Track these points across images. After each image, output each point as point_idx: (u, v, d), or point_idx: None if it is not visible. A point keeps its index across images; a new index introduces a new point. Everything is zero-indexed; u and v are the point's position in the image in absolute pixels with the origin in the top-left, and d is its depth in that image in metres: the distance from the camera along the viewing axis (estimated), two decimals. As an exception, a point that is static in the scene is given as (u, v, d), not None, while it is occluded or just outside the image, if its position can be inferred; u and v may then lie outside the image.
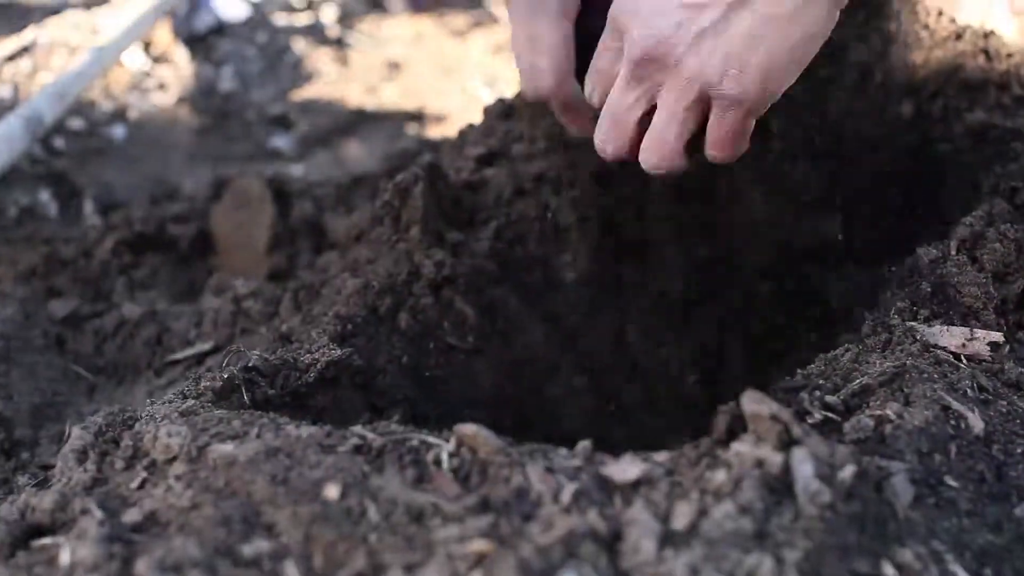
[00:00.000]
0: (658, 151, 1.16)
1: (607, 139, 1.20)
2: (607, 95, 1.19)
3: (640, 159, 1.18)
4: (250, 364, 1.12)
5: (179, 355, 1.46)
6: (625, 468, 0.81)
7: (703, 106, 1.12)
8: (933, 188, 1.44)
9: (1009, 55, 1.48)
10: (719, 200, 1.55)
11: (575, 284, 1.47)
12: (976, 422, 0.91)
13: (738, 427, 0.82)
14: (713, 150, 1.16)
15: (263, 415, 0.94)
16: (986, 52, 1.48)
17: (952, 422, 0.91)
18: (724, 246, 1.57)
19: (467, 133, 1.70)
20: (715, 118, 1.12)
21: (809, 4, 1.05)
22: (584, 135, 1.30)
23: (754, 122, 1.13)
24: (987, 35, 1.50)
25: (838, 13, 1.09)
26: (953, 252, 1.14)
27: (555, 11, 1.26)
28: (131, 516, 0.83)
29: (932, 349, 1.02)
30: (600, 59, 1.20)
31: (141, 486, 0.88)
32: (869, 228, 1.52)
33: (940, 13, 1.54)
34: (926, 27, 1.53)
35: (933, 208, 1.42)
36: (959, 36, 1.51)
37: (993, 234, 1.14)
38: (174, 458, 0.88)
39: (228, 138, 2.79)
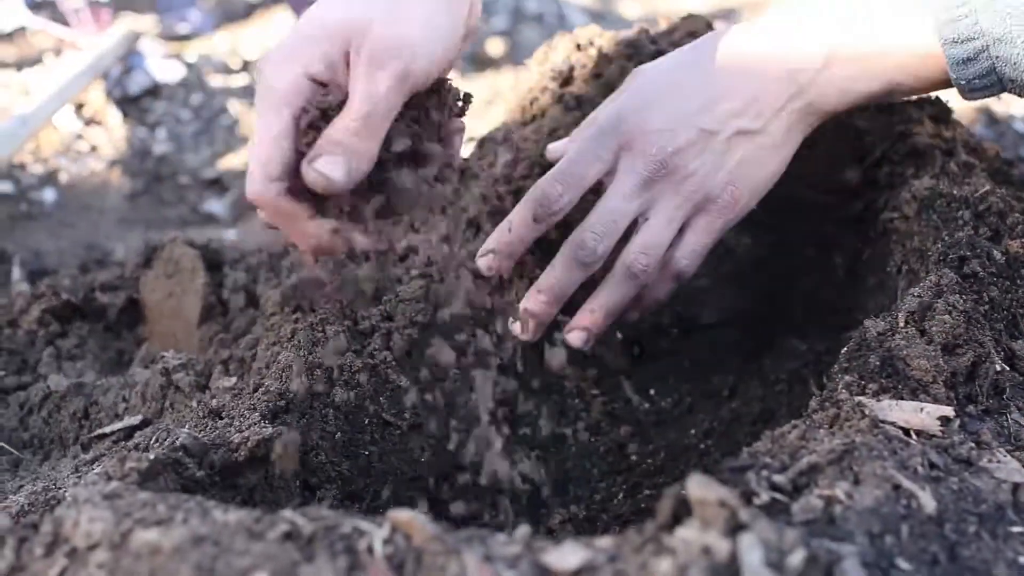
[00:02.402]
0: (653, 255, 1.35)
1: (598, 241, 1.33)
2: (574, 199, 1.35)
3: (630, 262, 1.36)
4: (178, 443, 1.09)
5: (107, 429, 1.41)
6: (566, 555, 0.78)
7: (689, 217, 1.36)
8: (879, 258, 1.42)
9: (954, 123, 1.47)
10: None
11: (516, 355, 1.44)
12: (928, 501, 0.89)
13: (683, 512, 0.79)
14: (687, 258, 1.38)
15: (190, 499, 0.90)
16: (932, 118, 1.47)
17: (903, 501, 0.88)
18: (664, 317, 1.55)
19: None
20: (702, 225, 1.37)
21: (788, 138, 1.36)
22: (298, 244, 1.19)
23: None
24: (933, 102, 1.50)
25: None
26: (901, 324, 1.12)
27: (275, 100, 1.13)
28: (49, 610, 0.79)
29: (881, 425, 1.00)
30: (578, 165, 1.35)
31: (61, 575, 0.84)
32: (812, 300, 1.51)
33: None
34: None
35: (880, 279, 1.41)
36: (905, 102, 1.50)
37: (942, 305, 1.12)
38: (96, 545, 0.84)
39: (161, 202, 2.75)
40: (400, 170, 1.18)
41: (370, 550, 0.80)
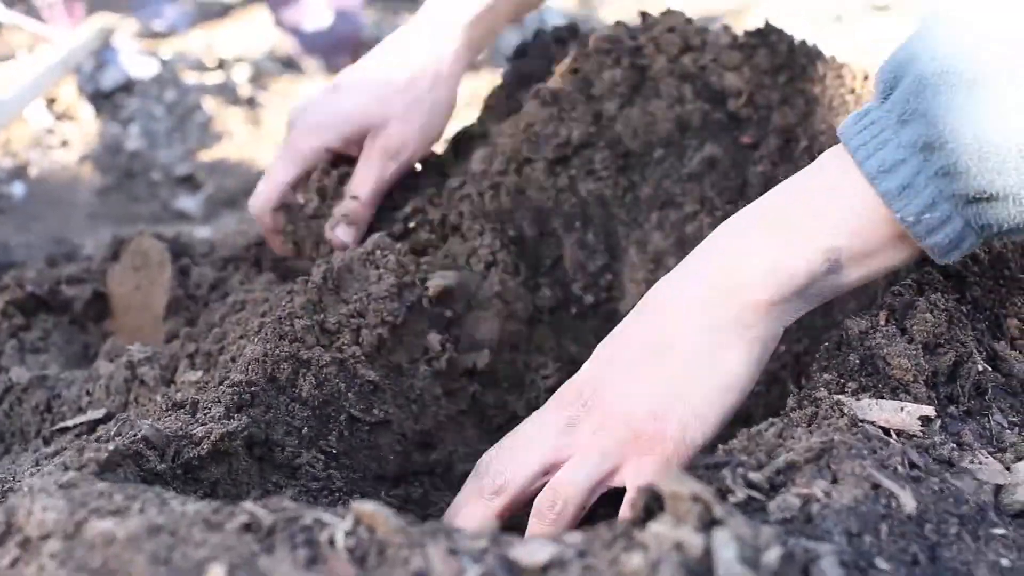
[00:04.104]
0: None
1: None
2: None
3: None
4: (139, 435, 1.06)
5: (69, 422, 1.39)
6: (534, 550, 0.75)
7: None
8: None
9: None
10: (636, 274, 1.51)
11: (488, 351, 1.42)
12: (908, 500, 0.87)
13: (656, 507, 0.76)
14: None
15: (148, 489, 0.88)
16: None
17: (883, 501, 0.86)
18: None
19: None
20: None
21: (722, 351, 1.11)
22: (274, 246, 1.69)
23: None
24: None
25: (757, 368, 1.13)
26: (882, 322, 1.10)
27: (296, 157, 1.60)
28: (-3, 600, 0.77)
29: (861, 424, 0.98)
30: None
31: (12, 565, 0.81)
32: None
33: (866, 77, 1.52)
34: (852, 91, 1.51)
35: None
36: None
37: (924, 304, 1.10)
38: (49, 534, 0.81)
39: (132, 198, 2.73)
40: None
41: (331, 542, 0.77)
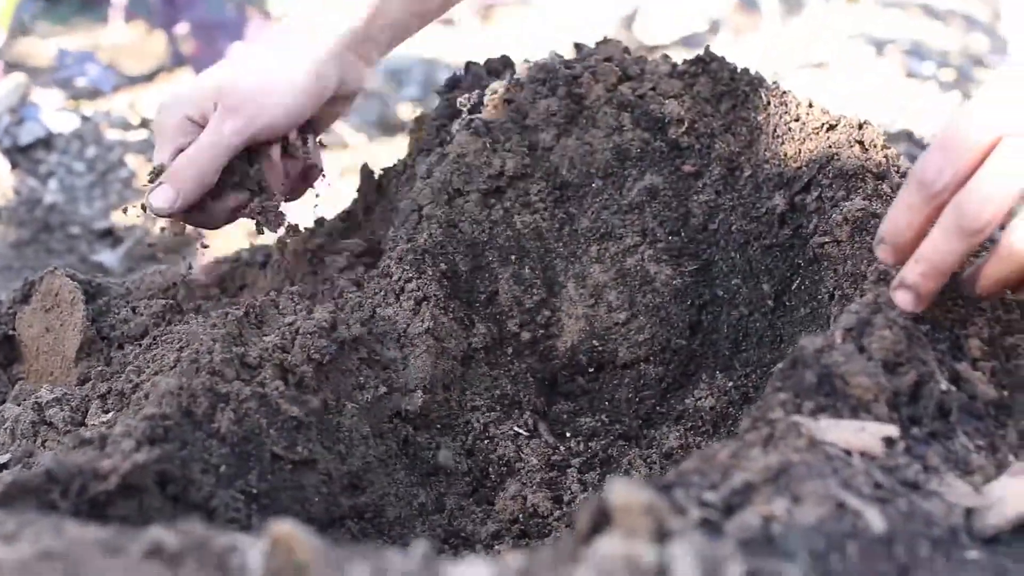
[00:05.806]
0: None
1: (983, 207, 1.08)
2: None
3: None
4: (42, 469, 0.98)
5: (-29, 468, 1.31)
6: (470, 572, 0.68)
7: None
8: (810, 285, 1.35)
9: (884, 146, 1.41)
10: (575, 309, 1.46)
11: (420, 392, 1.35)
12: (875, 520, 0.81)
13: (604, 522, 0.69)
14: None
15: (45, 517, 0.80)
16: (860, 143, 1.40)
17: (849, 520, 0.80)
18: (580, 354, 1.47)
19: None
20: None
21: None
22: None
23: None
24: (861, 126, 1.43)
25: None
26: (839, 340, 1.04)
27: (165, 136, 1.56)
28: None
29: (820, 444, 0.91)
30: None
31: None
32: (739, 333, 1.44)
33: (811, 104, 1.47)
34: (797, 119, 1.47)
35: (811, 308, 1.34)
36: (832, 127, 1.44)
37: (881, 321, 1.04)
38: (-66, 565, 0.73)
39: (49, 251, 2.66)
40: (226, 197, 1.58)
41: (244, 568, 0.70)
